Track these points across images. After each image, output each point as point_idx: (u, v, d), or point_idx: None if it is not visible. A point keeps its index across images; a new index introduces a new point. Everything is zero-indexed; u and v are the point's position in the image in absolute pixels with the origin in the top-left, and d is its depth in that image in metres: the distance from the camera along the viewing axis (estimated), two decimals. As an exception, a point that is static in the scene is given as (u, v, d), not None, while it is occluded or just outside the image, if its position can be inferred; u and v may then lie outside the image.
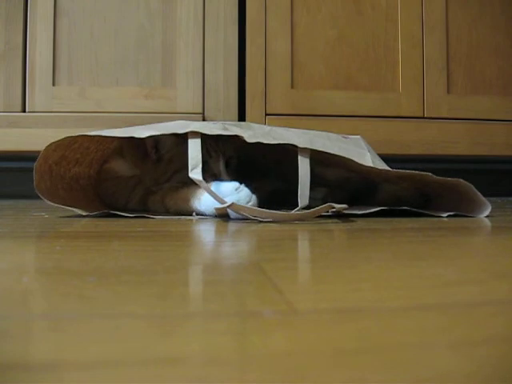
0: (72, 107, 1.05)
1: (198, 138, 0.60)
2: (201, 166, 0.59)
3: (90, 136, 0.62)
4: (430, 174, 0.60)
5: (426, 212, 0.62)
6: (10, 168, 1.28)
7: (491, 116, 1.15)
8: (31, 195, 1.26)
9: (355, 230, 0.50)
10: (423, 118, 1.13)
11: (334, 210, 0.60)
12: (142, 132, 0.60)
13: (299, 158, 0.61)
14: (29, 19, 1.06)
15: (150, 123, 0.66)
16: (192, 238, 0.43)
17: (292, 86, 1.10)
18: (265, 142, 0.60)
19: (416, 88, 1.13)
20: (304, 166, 0.61)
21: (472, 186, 0.60)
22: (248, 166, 0.75)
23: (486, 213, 0.61)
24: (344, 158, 0.62)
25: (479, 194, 0.61)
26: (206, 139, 0.63)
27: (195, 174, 0.59)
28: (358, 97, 1.12)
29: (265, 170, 0.82)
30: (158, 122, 0.65)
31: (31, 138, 1.04)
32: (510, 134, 1.15)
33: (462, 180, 0.60)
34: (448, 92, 1.14)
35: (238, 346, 0.16)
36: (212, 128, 0.61)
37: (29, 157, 1.25)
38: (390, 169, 0.63)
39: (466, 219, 0.59)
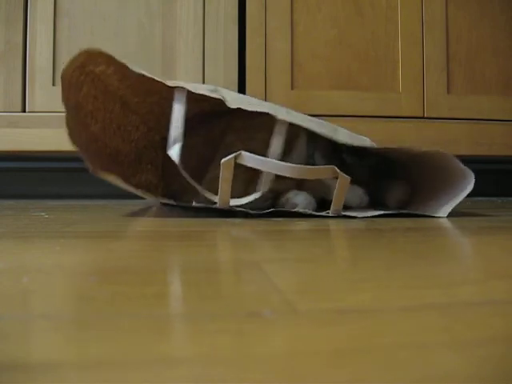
0: (72, 107, 1.05)
1: (182, 104, 0.58)
2: (181, 142, 0.57)
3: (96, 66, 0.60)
4: (411, 147, 0.60)
5: (426, 214, 0.62)
6: (10, 168, 1.28)
7: (491, 116, 1.15)
8: (31, 195, 1.26)
9: (355, 229, 0.50)
10: (423, 117, 1.13)
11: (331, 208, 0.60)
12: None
13: (275, 129, 0.60)
14: (29, 19, 1.06)
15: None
16: (191, 238, 0.43)
17: (292, 87, 1.10)
18: (247, 108, 0.58)
19: (416, 88, 1.13)
20: (277, 140, 0.60)
21: (452, 156, 0.59)
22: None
23: (471, 185, 0.58)
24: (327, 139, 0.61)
25: (460, 163, 0.59)
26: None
27: (174, 151, 0.57)
28: (358, 97, 1.12)
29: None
30: None
31: (31, 137, 1.04)
32: (509, 134, 1.15)
33: (440, 150, 0.59)
34: (448, 92, 1.14)
35: (238, 346, 0.16)
36: (199, 88, 0.59)
37: (29, 157, 1.26)
38: (374, 146, 0.63)
39: (465, 219, 0.59)
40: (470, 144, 1.14)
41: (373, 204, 0.77)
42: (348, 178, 0.58)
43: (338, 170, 0.58)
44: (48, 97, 1.05)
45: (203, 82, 1.08)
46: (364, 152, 0.76)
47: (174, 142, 0.58)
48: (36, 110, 1.05)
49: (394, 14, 1.13)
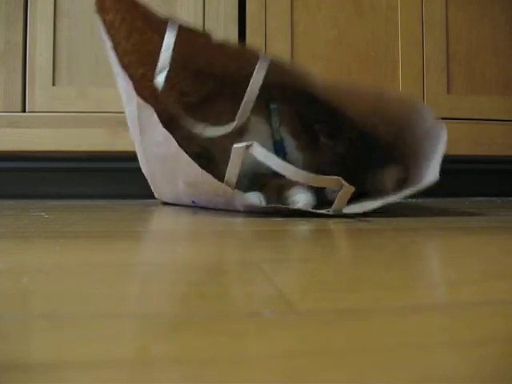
0: (72, 107, 1.05)
1: (173, 35, 0.59)
2: (167, 69, 0.57)
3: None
4: (384, 90, 0.60)
5: (421, 187, 0.60)
6: (10, 168, 1.28)
7: (491, 116, 1.15)
8: (31, 195, 1.26)
9: (355, 229, 0.50)
10: (423, 117, 1.13)
11: (330, 210, 0.60)
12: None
13: (258, 65, 0.59)
14: (29, 19, 1.06)
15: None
16: (191, 238, 0.43)
17: (292, 86, 1.10)
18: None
19: (416, 88, 1.13)
20: (259, 74, 0.59)
21: (425, 105, 0.59)
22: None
23: (444, 135, 0.58)
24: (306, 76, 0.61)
25: (431, 113, 0.59)
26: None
27: (160, 78, 0.57)
28: (358, 97, 1.11)
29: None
30: None
31: (31, 137, 1.04)
32: (509, 134, 1.15)
33: (414, 98, 0.59)
34: (448, 92, 1.14)
35: (238, 346, 0.16)
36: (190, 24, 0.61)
37: (29, 157, 1.26)
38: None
39: (465, 219, 0.59)
40: (470, 144, 1.14)
41: (371, 194, 0.77)
42: (352, 188, 0.58)
43: (343, 181, 0.58)
44: (48, 97, 1.05)
45: (203, 82, 1.08)
46: (342, 125, 0.75)
47: (161, 70, 0.58)
48: (36, 110, 1.05)
49: (394, 14, 1.13)
